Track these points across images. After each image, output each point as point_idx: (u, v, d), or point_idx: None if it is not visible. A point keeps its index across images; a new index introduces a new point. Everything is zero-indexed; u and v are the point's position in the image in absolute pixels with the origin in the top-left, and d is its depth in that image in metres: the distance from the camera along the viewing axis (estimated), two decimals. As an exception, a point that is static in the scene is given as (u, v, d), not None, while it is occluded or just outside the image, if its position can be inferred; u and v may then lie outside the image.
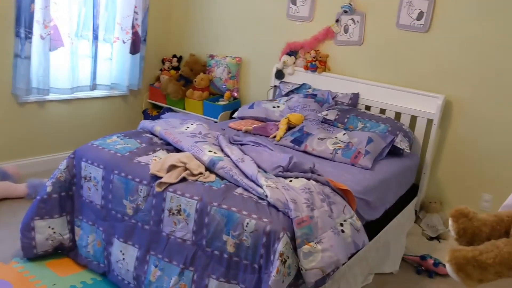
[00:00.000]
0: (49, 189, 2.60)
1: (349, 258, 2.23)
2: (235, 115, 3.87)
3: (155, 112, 4.69)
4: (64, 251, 2.70)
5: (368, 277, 2.77)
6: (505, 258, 1.37)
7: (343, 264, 2.15)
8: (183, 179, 2.31)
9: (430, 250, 3.25)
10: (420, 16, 3.49)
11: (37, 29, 3.53)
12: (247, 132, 3.36)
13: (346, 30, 3.86)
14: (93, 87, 4.13)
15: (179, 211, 2.22)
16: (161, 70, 4.81)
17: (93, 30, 3.96)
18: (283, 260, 1.93)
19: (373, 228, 2.64)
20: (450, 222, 1.58)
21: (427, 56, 3.51)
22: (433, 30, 3.47)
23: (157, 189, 2.27)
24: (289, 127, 3.36)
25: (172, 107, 4.60)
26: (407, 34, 3.57)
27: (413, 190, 3.41)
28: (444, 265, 2.91)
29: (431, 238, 3.47)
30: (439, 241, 3.45)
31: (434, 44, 3.47)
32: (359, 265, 2.55)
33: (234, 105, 4.39)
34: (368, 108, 3.72)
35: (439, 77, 3.48)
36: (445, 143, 3.53)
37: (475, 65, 3.33)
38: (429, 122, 3.45)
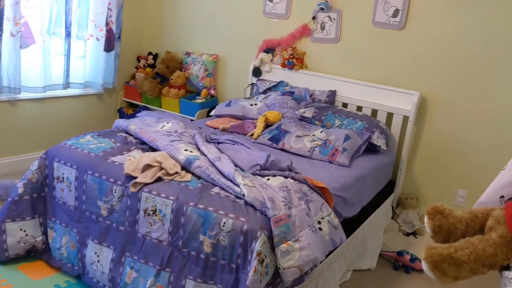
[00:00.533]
0: (20, 190, 2.54)
1: (327, 255, 2.23)
2: (212, 113, 3.84)
3: (130, 110, 4.62)
4: (37, 253, 2.64)
5: (346, 274, 2.79)
6: (480, 255, 1.38)
7: (321, 262, 2.15)
8: (159, 179, 2.27)
9: (407, 246, 3.28)
10: (395, 13, 3.51)
11: (7, 26, 3.43)
12: (224, 130, 3.33)
13: (322, 28, 3.86)
14: (66, 85, 4.05)
15: (154, 211, 2.18)
16: (136, 67, 4.73)
17: (66, 27, 3.87)
18: (261, 259, 1.91)
19: (350, 225, 2.65)
20: (426, 219, 1.59)
21: (402, 53, 3.54)
22: (408, 27, 3.49)
23: (132, 190, 2.24)
24: (267, 125, 3.35)
25: (148, 106, 4.54)
26: (383, 32, 3.59)
27: (389, 187, 3.44)
28: (421, 261, 2.96)
29: (408, 234, 3.51)
30: (416, 237, 3.48)
31: (410, 41, 3.49)
32: (337, 263, 2.55)
33: (211, 103, 4.35)
34: (345, 105, 3.73)
35: (414, 74, 3.51)
36: (421, 140, 3.57)
37: (450, 62, 3.37)
38: (405, 119, 3.48)
